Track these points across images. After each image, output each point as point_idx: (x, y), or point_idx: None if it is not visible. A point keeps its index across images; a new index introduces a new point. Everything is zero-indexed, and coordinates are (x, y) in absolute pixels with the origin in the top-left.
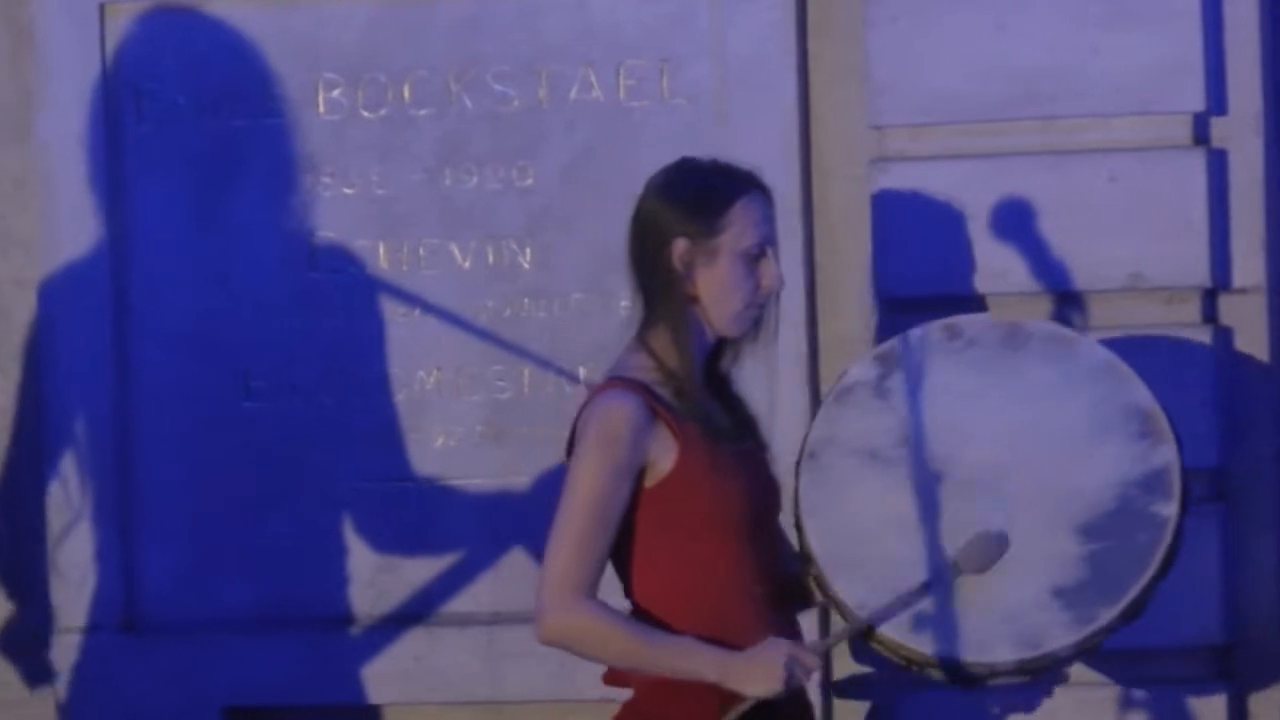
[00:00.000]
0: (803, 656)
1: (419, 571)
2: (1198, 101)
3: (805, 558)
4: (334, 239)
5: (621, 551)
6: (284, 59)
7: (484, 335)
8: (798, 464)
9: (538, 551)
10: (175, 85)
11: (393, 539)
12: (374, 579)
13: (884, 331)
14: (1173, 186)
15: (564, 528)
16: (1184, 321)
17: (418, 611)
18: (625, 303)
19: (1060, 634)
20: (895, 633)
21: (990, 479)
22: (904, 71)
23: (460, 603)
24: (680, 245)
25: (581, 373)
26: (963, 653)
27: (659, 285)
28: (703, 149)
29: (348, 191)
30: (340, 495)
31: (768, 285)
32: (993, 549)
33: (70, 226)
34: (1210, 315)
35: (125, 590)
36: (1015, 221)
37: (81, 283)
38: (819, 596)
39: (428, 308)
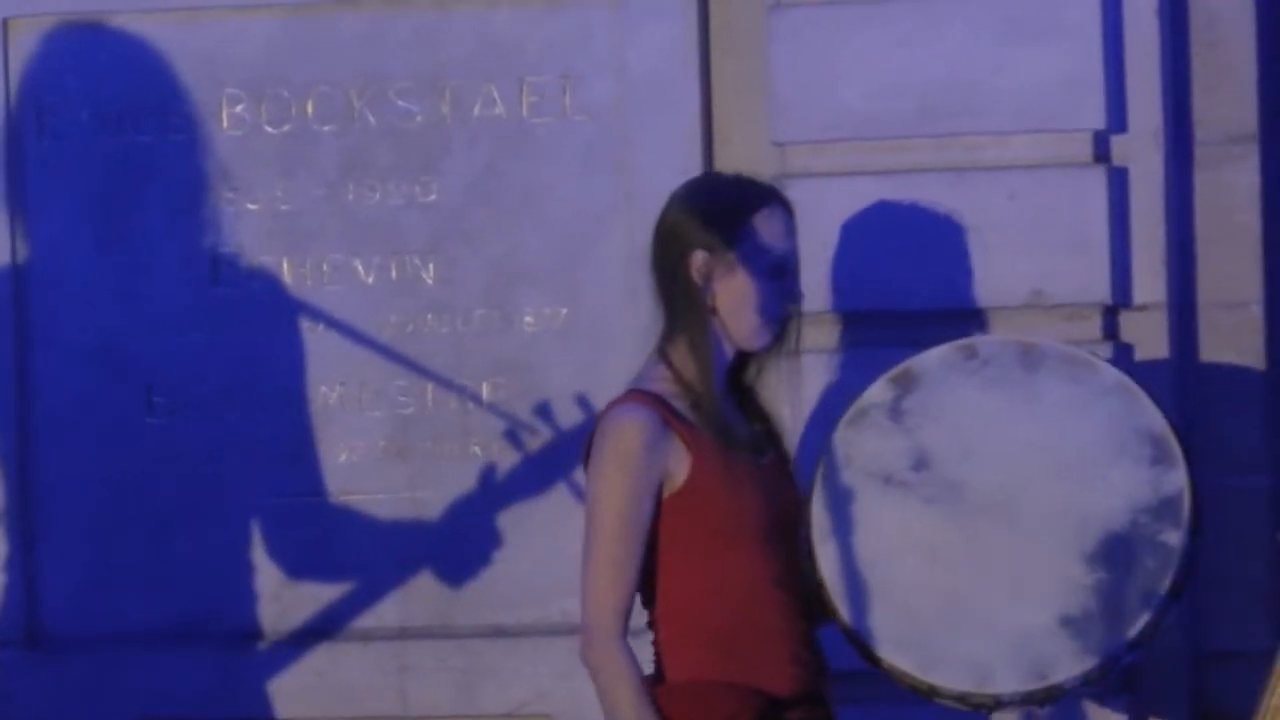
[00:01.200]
0: None
1: (324, 586)
2: (1098, 119)
3: (818, 581)
4: (237, 254)
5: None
6: (187, 75)
7: (386, 352)
8: (810, 487)
9: (440, 566)
10: (78, 101)
11: (296, 554)
12: (279, 594)
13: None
14: (1073, 204)
15: (595, 548)
16: (1085, 339)
17: (322, 626)
18: (529, 318)
19: (1068, 664)
20: (901, 663)
21: (1002, 502)
22: (806, 88)
23: (365, 618)
24: (699, 258)
25: (484, 388)
26: (969, 683)
27: (678, 297)
28: (605, 165)
29: (251, 207)
30: (243, 510)
31: (787, 300)
32: None
33: None
34: (1111, 332)
35: (27, 606)
36: (916, 238)
37: None
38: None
39: (331, 323)
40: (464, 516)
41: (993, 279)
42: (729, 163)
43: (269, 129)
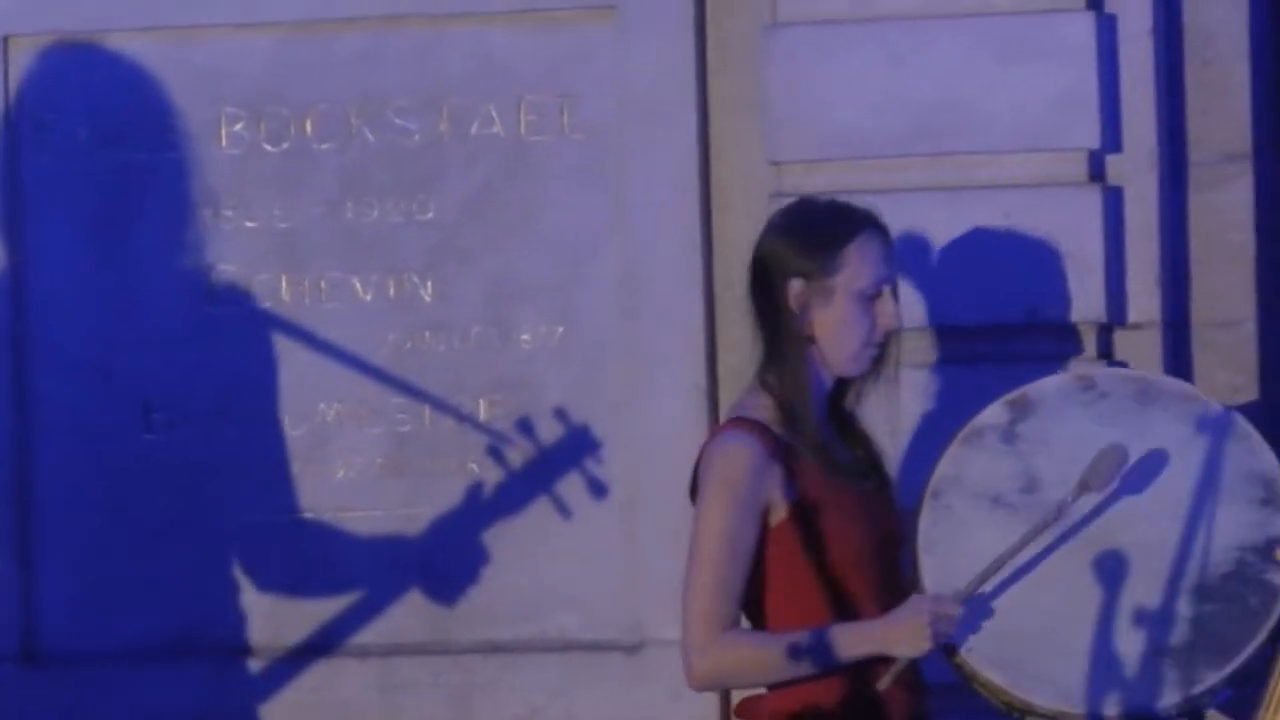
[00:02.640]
0: (944, 608)
1: (318, 603)
2: (1093, 139)
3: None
4: (235, 272)
5: (747, 589)
6: (186, 92)
7: (377, 374)
8: (919, 502)
9: (436, 583)
10: (76, 118)
11: (292, 571)
12: (274, 610)
13: None
14: (1068, 223)
15: (697, 572)
16: (1079, 357)
17: (317, 643)
18: (526, 336)
19: (1164, 694)
20: (997, 677)
21: (1109, 533)
22: (802, 107)
23: (359, 634)
24: (796, 286)
25: (481, 406)
26: (1065, 703)
27: (776, 325)
28: (603, 184)
29: (249, 225)
30: (240, 527)
31: (885, 324)
32: (1114, 462)
33: None
34: (1106, 351)
35: (24, 621)
36: (911, 257)
37: None
38: None
39: (325, 348)
40: (460, 533)
41: (988, 297)
42: (725, 182)
43: (267, 147)
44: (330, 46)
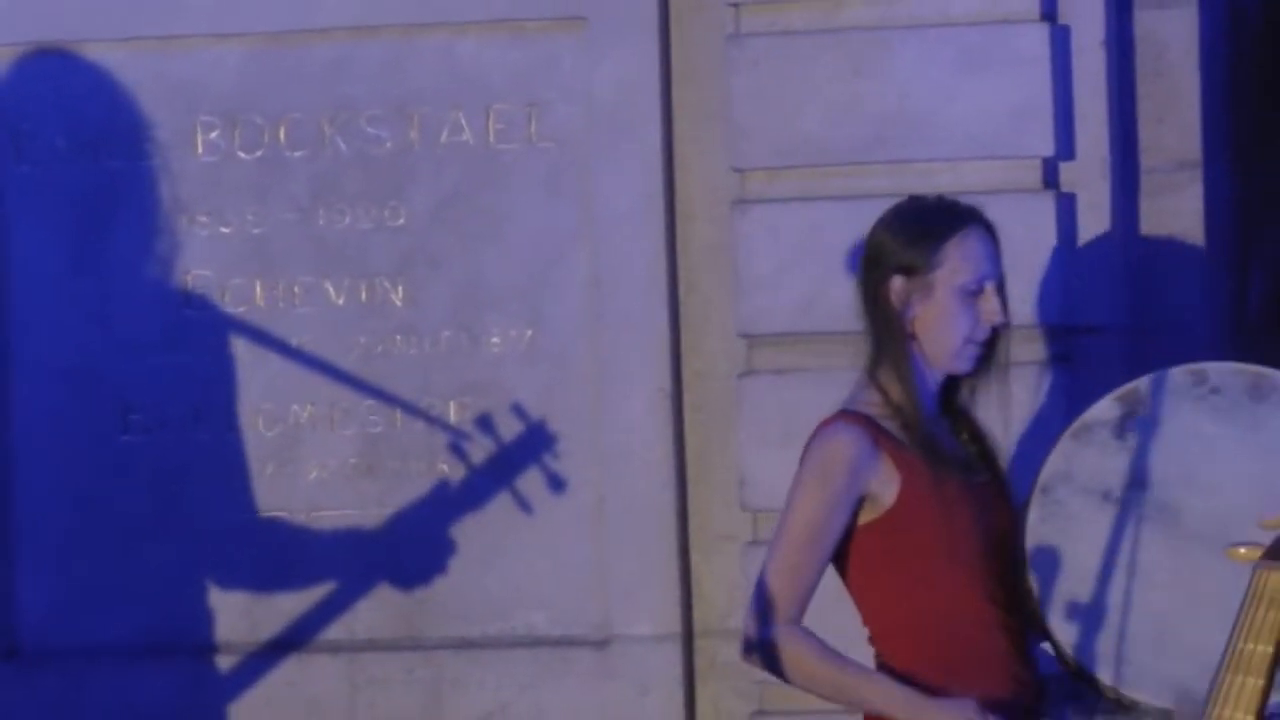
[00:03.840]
0: None
1: (292, 600)
2: (1047, 146)
3: (1028, 592)
4: (210, 277)
5: (854, 582)
6: (162, 101)
7: (348, 378)
8: (1029, 498)
9: (407, 580)
10: (54, 127)
11: (266, 569)
12: (248, 608)
13: (746, 368)
14: (1023, 229)
15: (777, 553)
16: (1035, 360)
17: (290, 639)
18: (494, 339)
19: (1273, 693)
20: (1104, 676)
21: (1217, 532)
22: (764, 115)
23: (332, 631)
24: (897, 281)
25: (451, 408)
26: (1172, 702)
27: (879, 321)
28: (569, 191)
29: (224, 230)
30: (216, 526)
31: (988, 321)
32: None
33: None
34: (1062, 355)
35: (4, 619)
36: None
37: None
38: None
39: (295, 351)
40: (430, 532)
41: None
42: (690, 189)
43: (242, 155)
44: (303, 56)
